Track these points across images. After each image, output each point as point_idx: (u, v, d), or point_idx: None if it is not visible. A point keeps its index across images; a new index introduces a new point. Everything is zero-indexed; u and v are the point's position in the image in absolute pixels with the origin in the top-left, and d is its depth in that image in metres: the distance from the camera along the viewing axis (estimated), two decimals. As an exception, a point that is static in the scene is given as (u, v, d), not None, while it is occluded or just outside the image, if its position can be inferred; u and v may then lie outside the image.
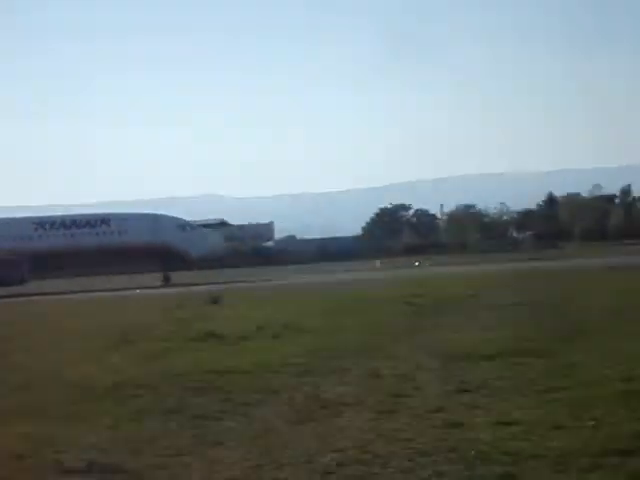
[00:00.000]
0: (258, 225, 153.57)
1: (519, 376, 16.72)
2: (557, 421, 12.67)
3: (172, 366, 20.39)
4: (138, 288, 66.73)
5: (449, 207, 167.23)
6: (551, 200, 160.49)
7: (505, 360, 18.71)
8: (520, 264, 73.16)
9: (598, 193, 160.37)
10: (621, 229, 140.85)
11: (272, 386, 17.00)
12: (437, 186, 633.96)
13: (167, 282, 76.12)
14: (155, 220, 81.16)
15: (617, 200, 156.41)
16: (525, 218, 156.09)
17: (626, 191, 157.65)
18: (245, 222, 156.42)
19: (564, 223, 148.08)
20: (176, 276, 78.36)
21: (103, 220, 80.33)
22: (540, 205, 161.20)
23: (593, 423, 12.40)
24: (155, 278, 77.18)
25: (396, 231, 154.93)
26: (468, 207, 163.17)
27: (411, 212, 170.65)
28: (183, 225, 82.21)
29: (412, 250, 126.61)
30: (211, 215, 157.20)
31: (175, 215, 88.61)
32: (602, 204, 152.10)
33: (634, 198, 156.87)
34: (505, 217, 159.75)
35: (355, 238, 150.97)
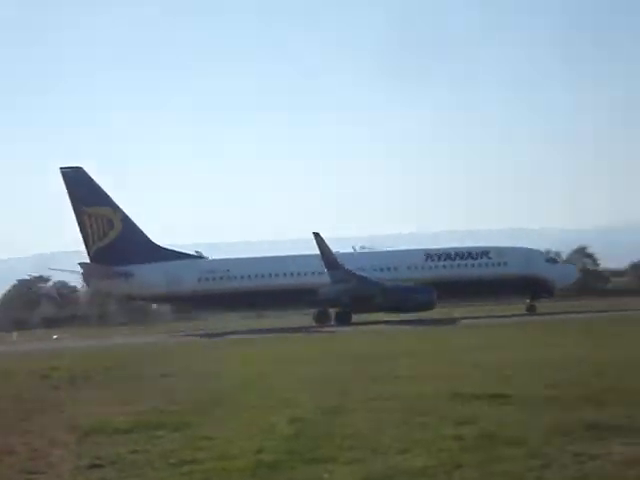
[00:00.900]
0: None
1: (153, 449, 16.81)
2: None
3: None
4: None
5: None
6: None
7: (141, 433, 18.74)
8: (164, 336, 73.46)
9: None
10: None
11: None
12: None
13: (532, 312, 79.54)
14: (529, 253, 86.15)
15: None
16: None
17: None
18: None
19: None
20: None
21: (484, 252, 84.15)
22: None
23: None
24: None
25: (34, 303, 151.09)
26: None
27: (50, 284, 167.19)
28: (551, 259, 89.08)
29: (51, 322, 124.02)
30: None
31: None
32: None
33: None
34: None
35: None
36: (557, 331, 50.87)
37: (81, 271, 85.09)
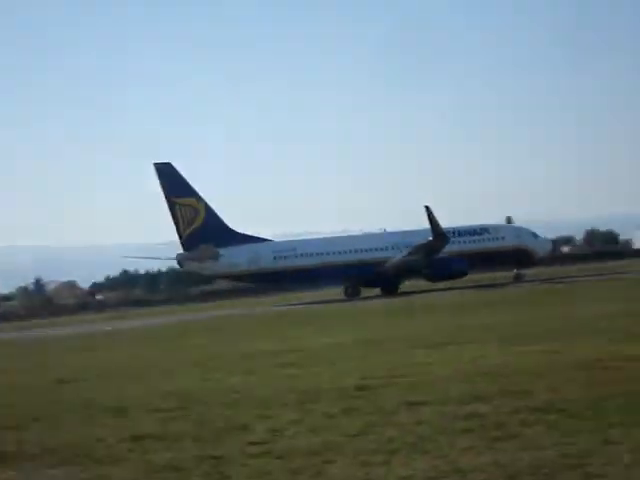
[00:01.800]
0: None
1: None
2: None
3: None
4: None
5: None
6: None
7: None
8: None
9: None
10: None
11: None
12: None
13: (520, 279, 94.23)
14: (519, 229, 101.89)
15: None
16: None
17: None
18: None
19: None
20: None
21: (484, 229, 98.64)
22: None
23: None
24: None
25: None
26: None
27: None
28: (534, 234, 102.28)
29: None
30: None
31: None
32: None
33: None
34: None
35: None
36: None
37: (172, 257, 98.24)
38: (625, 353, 24.30)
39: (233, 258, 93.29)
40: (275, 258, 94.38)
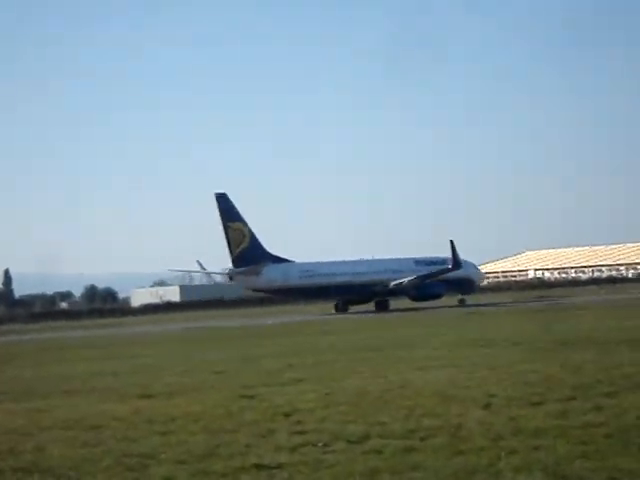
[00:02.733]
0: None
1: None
2: None
3: None
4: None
5: None
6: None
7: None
8: None
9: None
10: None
11: None
12: None
13: (463, 303, 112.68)
14: (466, 261, 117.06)
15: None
16: None
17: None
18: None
19: None
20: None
21: (444, 260, 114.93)
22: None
23: None
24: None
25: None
26: None
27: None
28: (475, 265, 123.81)
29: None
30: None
31: None
32: None
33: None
34: None
35: None
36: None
37: (223, 271, 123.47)
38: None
39: (271, 275, 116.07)
40: (300, 277, 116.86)
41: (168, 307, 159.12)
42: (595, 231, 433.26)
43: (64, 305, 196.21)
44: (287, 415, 23.36)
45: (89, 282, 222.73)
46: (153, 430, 22.08)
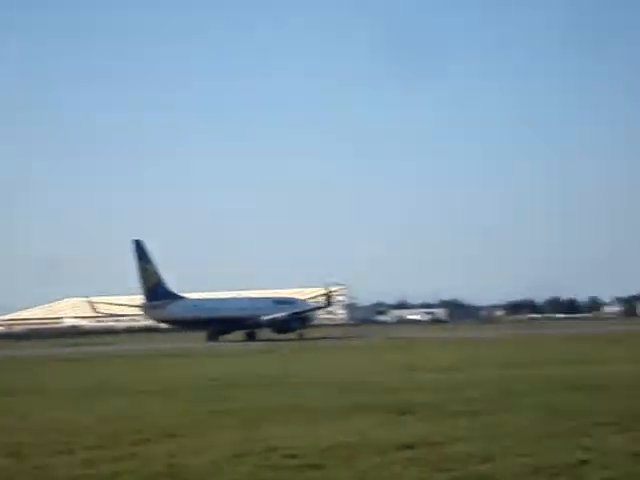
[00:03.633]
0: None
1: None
2: None
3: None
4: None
5: None
6: None
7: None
8: None
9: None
10: None
11: None
12: None
13: (302, 337, 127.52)
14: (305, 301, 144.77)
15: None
16: None
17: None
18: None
19: None
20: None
21: (293, 300, 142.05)
22: None
23: None
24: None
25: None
26: None
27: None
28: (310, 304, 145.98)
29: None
30: None
31: None
32: None
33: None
34: None
35: None
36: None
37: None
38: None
39: (173, 309, 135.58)
40: (191, 311, 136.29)
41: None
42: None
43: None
44: None
45: None
46: None
